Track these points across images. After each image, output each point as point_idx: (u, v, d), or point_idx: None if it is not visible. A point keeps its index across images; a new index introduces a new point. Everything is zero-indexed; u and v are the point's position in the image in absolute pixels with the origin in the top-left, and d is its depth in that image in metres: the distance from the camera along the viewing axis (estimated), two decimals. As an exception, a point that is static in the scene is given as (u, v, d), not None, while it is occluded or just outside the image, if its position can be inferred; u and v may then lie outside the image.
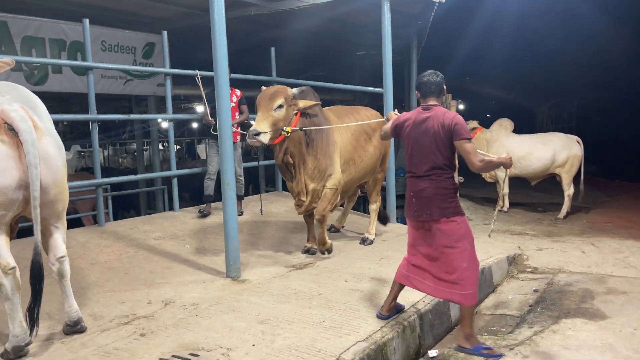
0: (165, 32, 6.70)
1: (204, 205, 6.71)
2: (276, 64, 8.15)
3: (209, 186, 6.67)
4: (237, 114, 6.60)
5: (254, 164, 11.85)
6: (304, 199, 5.22)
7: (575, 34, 13.04)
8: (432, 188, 3.40)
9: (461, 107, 17.13)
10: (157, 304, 4.06)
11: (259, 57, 10.61)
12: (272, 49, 8.15)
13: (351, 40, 11.55)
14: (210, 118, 6.42)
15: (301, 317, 3.68)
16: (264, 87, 5.08)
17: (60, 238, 3.27)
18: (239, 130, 6.64)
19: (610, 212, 9.25)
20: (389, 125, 3.83)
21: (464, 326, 3.50)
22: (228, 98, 4.65)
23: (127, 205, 10.67)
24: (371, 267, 4.93)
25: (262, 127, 4.67)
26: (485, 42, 13.36)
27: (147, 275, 4.67)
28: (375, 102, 7.09)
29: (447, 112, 3.42)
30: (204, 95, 6.61)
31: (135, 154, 15.66)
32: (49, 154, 3.06)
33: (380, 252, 5.57)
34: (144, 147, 16.29)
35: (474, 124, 9.50)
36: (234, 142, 6.37)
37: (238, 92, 6.71)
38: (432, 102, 3.50)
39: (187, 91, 11.77)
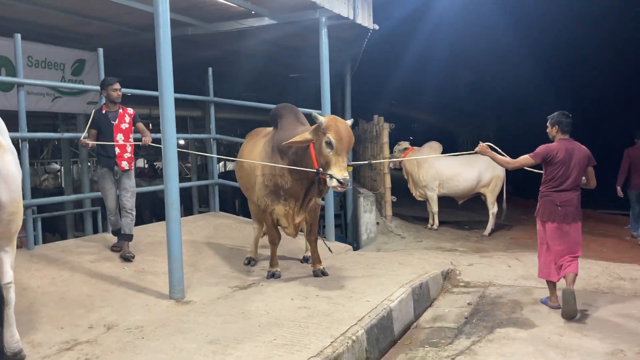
0: (101, 50, 6.55)
1: (117, 241, 5.84)
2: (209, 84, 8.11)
3: (115, 222, 5.80)
4: (131, 135, 5.76)
5: (188, 184, 11.69)
6: (299, 220, 5.19)
7: (493, 64, 14.04)
8: (576, 199, 4.65)
9: (387, 129, 17.58)
10: (99, 328, 3.94)
11: (194, 77, 10.54)
12: (210, 69, 8.15)
13: (286, 62, 11.73)
14: (86, 140, 5.48)
15: (251, 336, 3.70)
16: (316, 114, 4.66)
17: (8, 263, 3.11)
18: (132, 156, 5.77)
19: (530, 229, 9.86)
20: (524, 159, 4.93)
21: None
22: (173, 119, 4.62)
23: (51, 228, 10.13)
24: (315, 284, 5.02)
25: (347, 173, 4.50)
26: (415, 69, 14.09)
27: (85, 299, 4.50)
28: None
29: (581, 144, 4.67)
30: (92, 114, 5.66)
31: (58, 173, 14.93)
32: (10, 172, 2.94)
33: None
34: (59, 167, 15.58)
35: (405, 144, 9.94)
36: (128, 170, 5.68)
37: (130, 110, 5.85)
38: (568, 136, 4.72)
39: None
